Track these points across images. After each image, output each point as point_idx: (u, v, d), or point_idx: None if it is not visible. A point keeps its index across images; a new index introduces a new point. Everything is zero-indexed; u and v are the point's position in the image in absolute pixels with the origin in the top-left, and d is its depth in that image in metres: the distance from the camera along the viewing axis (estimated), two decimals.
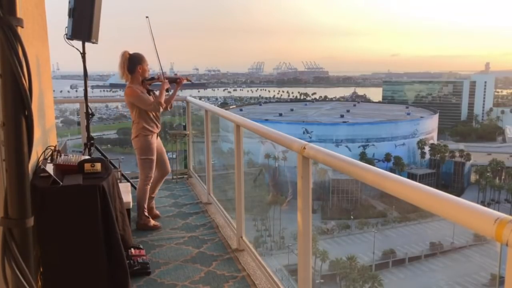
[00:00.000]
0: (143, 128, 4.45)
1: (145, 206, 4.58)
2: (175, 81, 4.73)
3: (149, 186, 4.60)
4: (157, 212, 4.91)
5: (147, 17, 4.62)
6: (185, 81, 4.78)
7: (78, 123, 6.17)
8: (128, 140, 4.69)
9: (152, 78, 4.60)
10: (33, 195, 2.11)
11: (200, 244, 4.13)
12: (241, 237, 3.99)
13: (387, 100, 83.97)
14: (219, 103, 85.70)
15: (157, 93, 4.57)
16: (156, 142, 4.63)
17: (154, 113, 4.52)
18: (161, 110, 4.55)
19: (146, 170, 4.53)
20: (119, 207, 2.99)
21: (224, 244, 4.13)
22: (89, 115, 5.09)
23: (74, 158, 2.87)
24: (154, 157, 4.54)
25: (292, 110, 64.45)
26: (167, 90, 4.66)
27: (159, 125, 4.60)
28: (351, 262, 31.74)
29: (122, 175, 5.30)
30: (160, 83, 4.58)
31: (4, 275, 2.00)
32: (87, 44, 4.77)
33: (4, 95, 1.92)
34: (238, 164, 3.91)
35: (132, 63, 4.40)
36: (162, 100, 4.51)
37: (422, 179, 45.48)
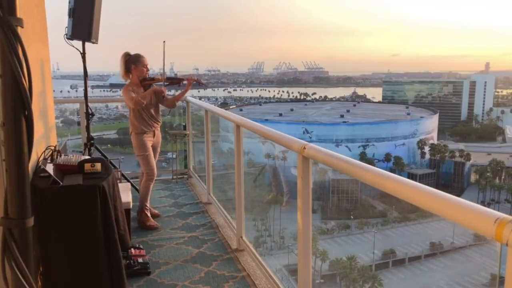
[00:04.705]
0: (134, 127, 4.54)
1: (147, 203, 4.60)
2: (178, 83, 4.78)
3: (152, 183, 4.65)
4: (156, 211, 4.93)
5: (164, 41, 4.57)
6: (193, 82, 4.74)
7: (78, 123, 6.18)
8: (128, 140, 4.73)
9: (152, 79, 4.64)
10: (33, 195, 2.11)
11: (200, 244, 4.14)
12: (241, 237, 3.99)
13: (387, 100, 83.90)
14: (219, 103, 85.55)
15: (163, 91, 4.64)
16: (154, 140, 4.67)
17: (148, 112, 4.54)
18: (143, 105, 4.43)
19: (144, 167, 4.60)
20: (119, 207, 2.99)
21: (224, 244, 4.14)
22: (89, 115, 5.09)
23: (74, 158, 2.87)
24: (148, 153, 4.57)
25: (292, 110, 64.32)
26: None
27: (154, 124, 4.62)
28: (351, 262, 31.70)
29: (122, 175, 5.31)
30: (161, 83, 4.61)
31: (4, 275, 2.00)
32: (87, 44, 4.77)
33: (4, 95, 1.92)
34: (238, 164, 3.92)
35: (128, 63, 4.51)
36: (170, 102, 4.78)
37: (422, 179, 45.44)
